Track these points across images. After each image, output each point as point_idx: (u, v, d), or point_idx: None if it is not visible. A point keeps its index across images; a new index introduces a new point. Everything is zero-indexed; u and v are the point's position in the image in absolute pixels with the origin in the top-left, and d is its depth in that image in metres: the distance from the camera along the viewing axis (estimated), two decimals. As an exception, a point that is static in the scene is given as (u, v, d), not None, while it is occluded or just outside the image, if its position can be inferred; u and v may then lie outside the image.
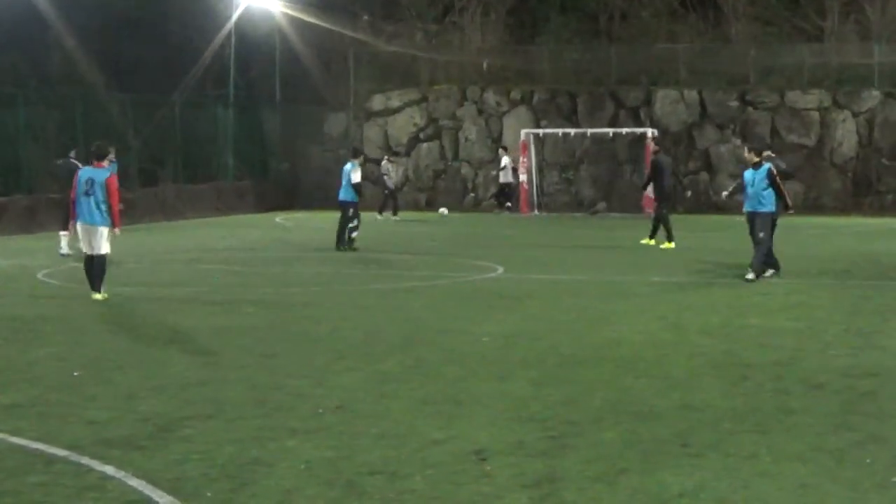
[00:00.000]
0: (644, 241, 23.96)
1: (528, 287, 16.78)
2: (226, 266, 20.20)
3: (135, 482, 6.82)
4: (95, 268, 15.53)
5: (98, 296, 15.47)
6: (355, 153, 24.06)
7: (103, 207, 15.33)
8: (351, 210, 22.70)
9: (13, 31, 29.63)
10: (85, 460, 7.30)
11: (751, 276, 17.31)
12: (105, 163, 15.83)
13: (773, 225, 17.97)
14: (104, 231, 15.41)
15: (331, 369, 10.51)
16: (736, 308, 14.62)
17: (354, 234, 22.83)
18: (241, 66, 39.52)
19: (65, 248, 21.27)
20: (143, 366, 10.74)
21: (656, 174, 24.24)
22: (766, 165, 17.66)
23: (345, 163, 23.64)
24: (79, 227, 15.71)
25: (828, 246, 24.26)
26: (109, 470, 7.07)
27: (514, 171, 36.70)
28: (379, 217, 32.69)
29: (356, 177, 22.73)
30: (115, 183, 15.55)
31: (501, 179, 36.97)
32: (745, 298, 15.59)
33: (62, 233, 21.31)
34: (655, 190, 24.53)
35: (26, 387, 9.73)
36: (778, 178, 17.59)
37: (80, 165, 18.33)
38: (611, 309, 14.61)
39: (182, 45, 35.81)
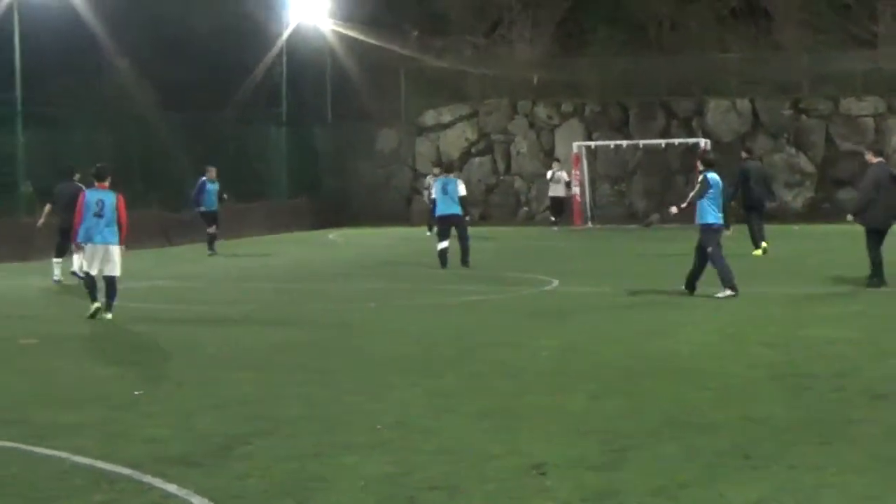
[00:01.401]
0: (756, 253, 23.63)
1: (583, 300, 16.73)
2: (279, 284, 20.29)
3: (197, 500, 6.86)
4: (109, 288, 15.55)
5: (109, 315, 15.46)
6: (450, 168, 24.07)
7: (115, 228, 15.49)
8: (462, 225, 22.17)
9: (66, 55, 29.96)
10: (147, 479, 7.35)
11: None
12: (106, 183, 15.75)
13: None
14: (118, 251, 15.55)
15: (388, 385, 10.53)
16: (794, 318, 14.49)
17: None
18: (292, 83, 39.75)
19: (58, 274, 20.70)
20: (201, 384, 10.82)
21: (743, 181, 24.06)
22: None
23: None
24: (87, 248, 15.68)
25: (885, 254, 23.91)
26: (172, 488, 7.12)
27: (567, 184, 35.98)
28: (428, 233, 32.64)
29: (463, 190, 22.28)
30: (124, 203, 15.70)
31: (551, 193, 36.19)
32: (804, 308, 15.46)
33: (55, 259, 20.83)
34: (744, 198, 24.20)
35: (88, 406, 9.82)
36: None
37: (83, 188, 18.12)
38: (667, 320, 14.52)
39: (234, 64, 36.06)
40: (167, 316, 16.33)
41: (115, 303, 15.62)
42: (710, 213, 16.90)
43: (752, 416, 8.83)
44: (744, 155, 25.88)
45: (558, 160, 36.67)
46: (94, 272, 15.56)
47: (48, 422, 9.20)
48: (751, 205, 24.05)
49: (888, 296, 16.85)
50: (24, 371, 11.82)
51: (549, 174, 36.14)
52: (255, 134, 38.10)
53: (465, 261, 21.77)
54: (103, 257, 15.49)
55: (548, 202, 37.13)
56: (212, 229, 27.30)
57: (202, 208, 27.34)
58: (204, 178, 27.36)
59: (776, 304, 16.04)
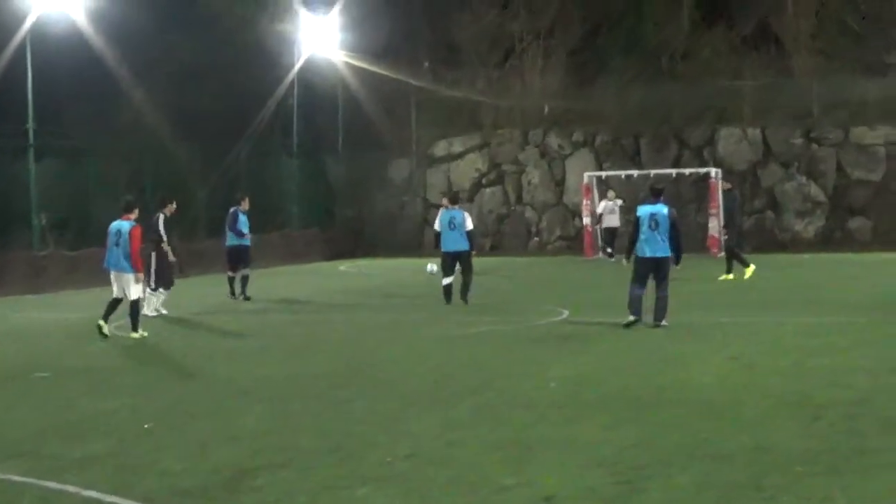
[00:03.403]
0: (722, 278, 24.35)
1: (594, 330, 16.72)
2: (292, 315, 20.32)
3: (209, 533, 6.87)
4: (131, 311, 16.87)
5: (136, 335, 16.89)
6: (455, 199, 22.95)
7: (130, 256, 16.64)
8: (468, 260, 21.28)
9: (80, 85, 30.15)
10: (160, 511, 7.37)
11: None
12: (133, 215, 17.04)
13: None
14: (132, 277, 16.79)
15: (400, 416, 10.53)
16: (807, 348, 14.45)
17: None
18: (304, 114, 39.93)
19: (154, 306, 20.49)
20: (214, 415, 10.84)
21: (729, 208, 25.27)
22: None
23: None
24: (112, 274, 17.03)
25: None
26: (184, 521, 7.13)
27: (622, 208, 34.48)
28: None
29: (470, 223, 21.46)
30: (137, 234, 16.82)
31: (606, 224, 34.77)
32: (816, 338, 15.41)
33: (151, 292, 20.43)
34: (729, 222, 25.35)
35: (100, 438, 9.84)
36: None
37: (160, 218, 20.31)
38: (679, 350, 14.50)
39: (247, 95, 36.24)
40: (180, 346, 16.38)
41: (140, 320, 17.17)
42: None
43: (765, 446, 8.81)
44: (729, 186, 26.67)
45: (612, 189, 35.37)
46: (116, 294, 17.03)
47: (60, 455, 9.23)
48: (740, 231, 25.82)
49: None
50: (37, 404, 11.85)
51: (601, 206, 34.85)
52: (268, 164, 38.26)
53: (465, 296, 20.97)
54: (121, 283, 16.91)
55: (601, 233, 35.47)
56: (246, 270, 24.06)
57: (234, 242, 24.29)
58: (236, 209, 24.49)
59: (788, 333, 16.01)
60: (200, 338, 17.20)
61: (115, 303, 17.04)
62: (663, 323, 16.36)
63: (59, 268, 28.35)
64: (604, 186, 36.17)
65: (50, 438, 9.96)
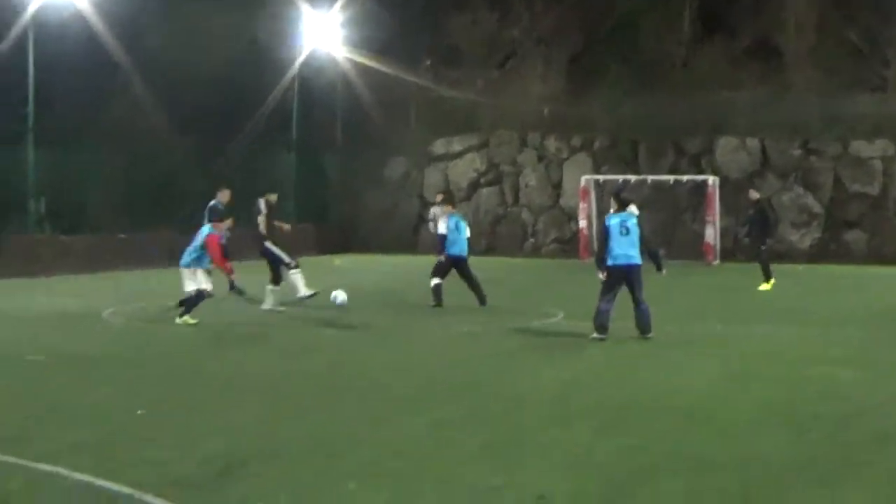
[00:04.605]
0: (761, 288, 24.39)
1: (588, 333, 16.72)
2: (285, 308, 20.28)
3: (196, 523, 6.86)
4: (189, 299, 17.74)
5: (189, 320, 17.52)
6: (451, 199, 22.62)
7: (193, 255, 17.73)
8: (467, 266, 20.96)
9: (80, 75, 30.10)
10: (148, 498, 7.36)
11: None
12: (221, 224, 18.93)
13: None
14: (187, 272, 17.73)
15: (390, 415, 10.52)
16: (799, 358, 14.44)
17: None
18: (303, 110, 39.91)
19: (302, 290, 20.23)
20: (205, 406, 10.83)
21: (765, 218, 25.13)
22: None
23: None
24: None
25: (892, 296, 23.95)
26: (171, 510, 7.13)
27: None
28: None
29: (468, 231, 21.28)
30: (212, 240, 17.82)
31: None
32: (809, 349, 15.42)
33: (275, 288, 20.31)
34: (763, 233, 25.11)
35: (91, 424, 9.84)
36: None
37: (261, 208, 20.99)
38: (672, 356, 14.50)
39: (246, 90, 36.20)
40: (174, 337, 16.38)
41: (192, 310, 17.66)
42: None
43: (755, 456, 8.81)
44: (758, 196, 26.26)
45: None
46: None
47: (51, 438, 9.23)
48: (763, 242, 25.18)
49: None
50: (30, 387, 11.86)
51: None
52: (265, 159, 38.19)
53: (484, 298, 20.71)
54: (183, 277, 17.91)
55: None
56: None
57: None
58: (215, 202, 21.26)
59: (782, 343, 16.00)
60: (194, 328, 17.18)
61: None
62: (650, 335, 16.08)
63: (54, 253, 28.35)
64: (602, 192, 35.81)
65: (41, 422, 9.96)
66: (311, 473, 8.17)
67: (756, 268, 25.09)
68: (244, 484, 7.87)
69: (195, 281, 17.71)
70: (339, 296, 19.13)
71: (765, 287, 24.36)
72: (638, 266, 16.06)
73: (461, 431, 9.73)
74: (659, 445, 9.18)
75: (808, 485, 7.98)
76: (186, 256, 17.82)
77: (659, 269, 16.89)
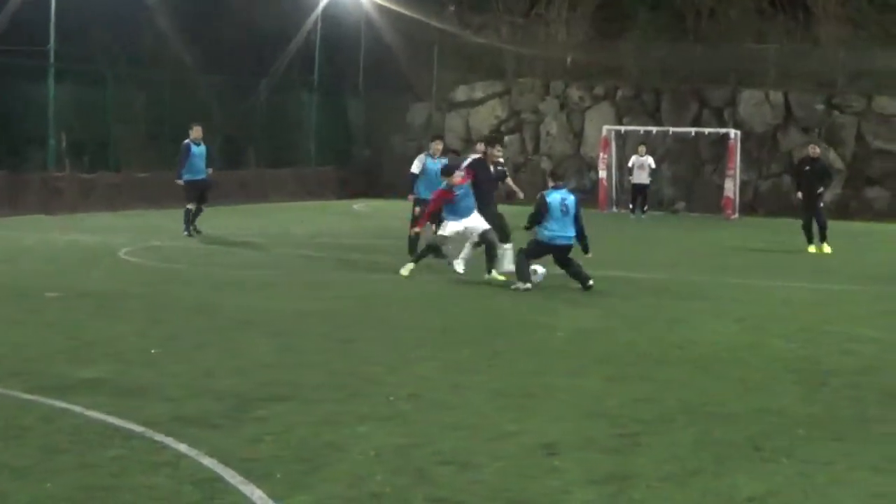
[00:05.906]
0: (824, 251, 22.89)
1: (605, 284, 16.65)
2: (302, 251, 20.32)
3: (207, 461, 6.90)
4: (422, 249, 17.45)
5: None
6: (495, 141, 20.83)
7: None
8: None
9: (103, 10, 29.96)
10: (160, 437, 7.40)
11: None
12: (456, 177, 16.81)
13: None
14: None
15: (407, 357, 10.56)
16: (818, 314, 14.42)
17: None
18: (327, 52, 39.71)
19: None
20: (221, 346, 10.88)
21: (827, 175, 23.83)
22: None
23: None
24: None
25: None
26: (183, 448, 7.16)
27: (653, 171, 33.92)
28: None
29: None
30: (437, 194, 17.08)
31: (635, 180, 33.82)
32: (826, 305, 15.38)
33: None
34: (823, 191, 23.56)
35: (106, 362, 9.89)
36: None
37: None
38: (689, 309, 14.49)
39: (270, 29, 36.05)
40: (190, 275, 16.45)
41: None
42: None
43: (768, 409, 8.81)
44: (818, 152, 24.76)
45: (644, 144, 34.52)
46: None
47: (66, 375, 9.30)
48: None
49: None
50: (48, 324, 11.92)
51: (632, 160, 34.01)
52: (287, 100, 38.12)
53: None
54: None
55: (630, 188, 34.54)
56: (191, 205, 22.61)
57: (186, 177, 22.80)
58: (188, 141, 22.75)
59: (800, 299, 15.97)
60: (211, 268, 17.24)
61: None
62: (591, 283, 15.78)
63: (74, 190, 28.40)
64: (639, 143, 34.97)
65: (57, 358, 10.02)
66: (324, 413, 8.21)
67: (783, 224, 24.30)
68: (258, 422, 7.91)
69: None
70: (539, 269, 18.08)
71: (826, 249, 22.81)
72: (570, 245, 16.15)
73: (476, 377, 9.76)
74: (670, 396, 9.19)
75: (819, 439, 7.98)
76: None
77: (586, 251, 16.62)
